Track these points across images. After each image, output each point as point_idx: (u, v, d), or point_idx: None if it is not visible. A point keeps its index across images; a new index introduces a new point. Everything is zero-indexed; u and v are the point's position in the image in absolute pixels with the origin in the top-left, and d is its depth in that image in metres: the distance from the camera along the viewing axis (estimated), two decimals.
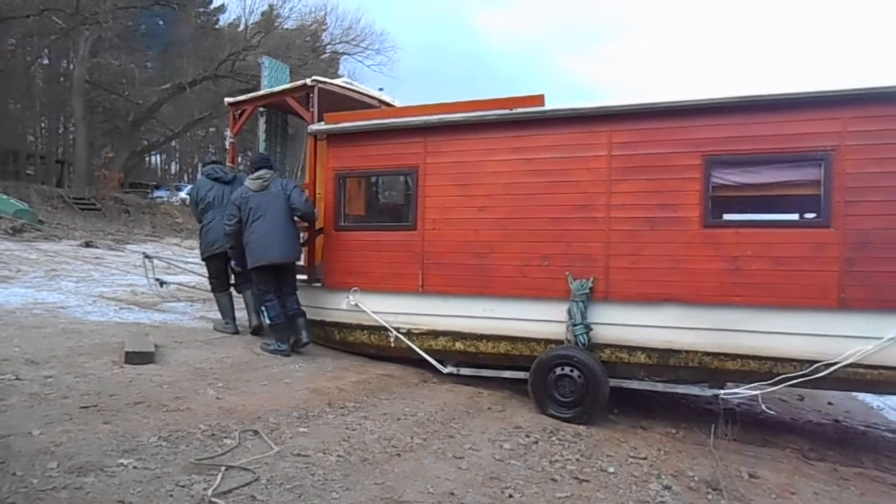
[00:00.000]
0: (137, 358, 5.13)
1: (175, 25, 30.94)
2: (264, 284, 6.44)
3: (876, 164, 4.81)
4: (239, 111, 7.92)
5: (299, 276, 6.96)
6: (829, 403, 7.55)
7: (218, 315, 7.23)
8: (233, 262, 6.81)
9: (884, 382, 4.90)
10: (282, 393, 4.93)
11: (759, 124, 5.14)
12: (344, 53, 35.73)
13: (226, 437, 3.79)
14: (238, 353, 6.05)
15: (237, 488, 3.11)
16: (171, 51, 32.09)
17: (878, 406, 8.03)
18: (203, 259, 7.15)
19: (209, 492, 3.01)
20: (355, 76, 35.46)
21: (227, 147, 8.13)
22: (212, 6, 37.50)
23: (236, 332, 6.91)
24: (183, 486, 3.06)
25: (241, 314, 7.22)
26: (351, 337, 6.75)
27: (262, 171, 6.51)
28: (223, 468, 3.31)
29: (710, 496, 3.83)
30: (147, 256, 9.38)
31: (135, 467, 3.21)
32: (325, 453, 3.76)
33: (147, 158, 41.97)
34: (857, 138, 4.86)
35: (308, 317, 6.82)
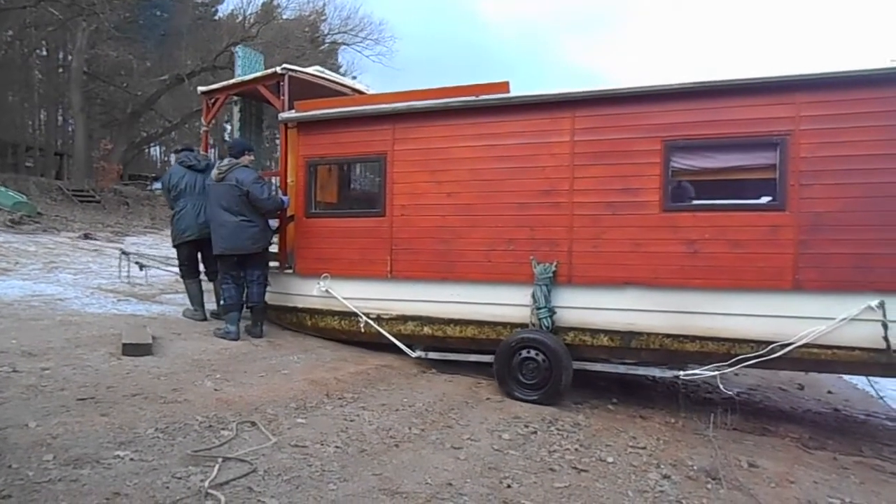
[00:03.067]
0: (135, 350, 5.12)
1: (173, 16, 30.82)
2: (221, 270, 6.59)
3: (829, 147, 4.93)
4: (212, 100, 8.00)
5: (271, 263, 7.02)
6: (829, 392, 7.55)
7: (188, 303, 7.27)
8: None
9: (837, 362, 5.02)
10: (280, 384, 4.92)
11: (717, 109, 5.25)
12: (343, 44, 35.61)
13: (223, 429, 3.78)
14: (236, 344, 6.04)
15: (234, 480, 3.10)
16: (169, 42, 31.94)
17: (878, 394, 8.02)
18: (174, 246, 7.15)
19: (206, 483, 2.99)
20: (354, 67, 35.47)
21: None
22: None
23: (205, 319, 6.97)
24: (180, 478, 3.05)
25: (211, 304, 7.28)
26: (322, 323, 6.83)
27: (225, 161, 6.54)
28: (220, 460, 3.29)
29: (709, 485, 3.82)
30: (124, 253, 9.43)
31: (131, 459, 3.19)
32: (322, 444, 3.75)
33: (146, 150, 41.84)
34: (810, 123, 4.97)
35: (280, 303, 6.95)
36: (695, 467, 4.09)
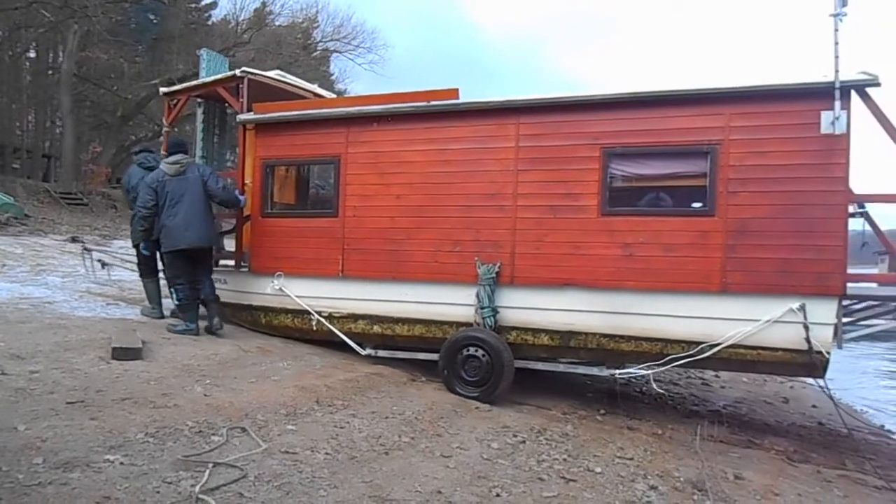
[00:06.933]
0: (124, 354, 5.10)
1: (165, 20, 30.70)
2: (177, 268, 6.55)
3: (755, 157, 5.15)
4: (174, 101, 8.15)
5: (227, 262, 7.18)
6: (814, 406, 7.63)
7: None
8: (142, 246, 6.87)
9: (762, 362, 5.23)
10: (270, 390, 4.92)
11: (652, 119, 5.46)
12: (335, 51, 35.62)
13: (213, 434, 3.78)
14: (226, 350, 6.02)
15: (225, 485, 3.11)
16: (160, 46, 31.85)
17: (862, 409, 8.13)
18: (134, 246, 7.25)
19: (197, 488, 3.00)
20: (347, 74, 35.50)
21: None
22: (203, 2, 37.25)
23: (162, 317, 7.02)
24: (170, 483, 3.05)
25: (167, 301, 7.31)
26: (276, 320, 6.95)
27: (178, 156, 6.59)
28: (211, 465, 3.30)
29: (695, 497, 3.86)
30: (86, 249, 9.42)
31: (121, 463, 3.19)
32: (312, 451, 3.76)
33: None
34: (739, 133, 5.18)
35: (235, 301, 7.07)
36: (681, 479, 4.14)
